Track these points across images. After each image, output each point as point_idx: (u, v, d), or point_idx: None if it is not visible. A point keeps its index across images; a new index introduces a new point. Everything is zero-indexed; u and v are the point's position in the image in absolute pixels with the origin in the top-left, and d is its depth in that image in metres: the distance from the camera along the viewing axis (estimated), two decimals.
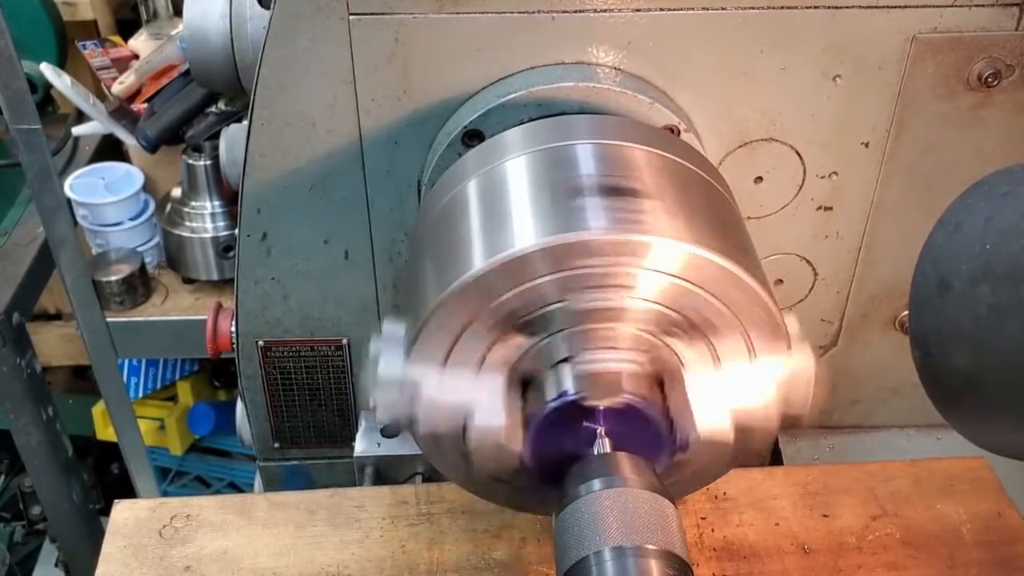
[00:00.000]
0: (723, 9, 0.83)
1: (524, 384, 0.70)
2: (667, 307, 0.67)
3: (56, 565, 2.32)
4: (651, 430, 0.68)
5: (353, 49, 0.83)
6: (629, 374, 0.67)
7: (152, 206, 1.79)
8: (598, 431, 0.68)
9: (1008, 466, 0.80)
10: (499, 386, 0.68)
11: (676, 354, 0.69)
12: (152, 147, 1.71)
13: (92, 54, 1.98)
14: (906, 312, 0.96)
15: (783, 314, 0.69)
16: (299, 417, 1.06)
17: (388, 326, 0.70)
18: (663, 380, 0.70)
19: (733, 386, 0.69)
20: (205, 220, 1.72)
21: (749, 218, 0.93)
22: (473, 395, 0.68)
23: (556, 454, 0.69)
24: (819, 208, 0.95)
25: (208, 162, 1.68)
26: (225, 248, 1.71)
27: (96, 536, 1.80)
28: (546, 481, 0.70)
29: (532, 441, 0.69)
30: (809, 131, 0.90)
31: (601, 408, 0.67)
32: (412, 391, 0.68)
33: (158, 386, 2.23)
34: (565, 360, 0.68)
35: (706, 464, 0.74)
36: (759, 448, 0.73)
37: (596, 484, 0.65)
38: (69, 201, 1.63)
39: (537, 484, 0.71)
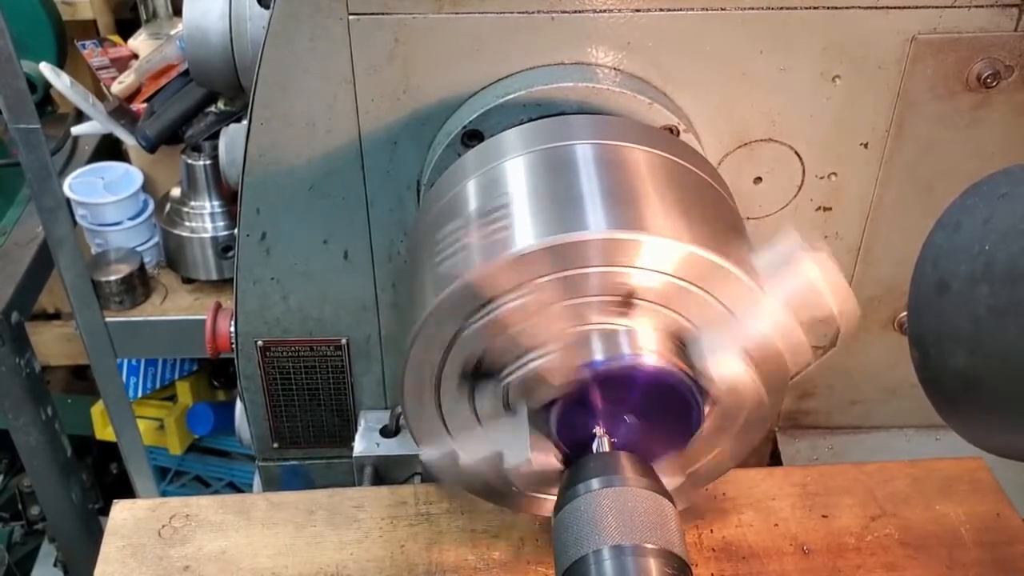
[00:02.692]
0: (723, 9, 0.83)
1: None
2: (670, 308, 0.67)
3: (55, 565, 2.32)
4: (675, 389, 0.68)
5: (353, 49, 0.83)
6: (640, 333, 0.67)
7: (151, 206, 1.79)
8: (597, 431, 0.68)
9: (1007, 467, 0.80)
10: (522, 420, 0.69)
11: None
12: (151, 147, 1.71)
13: (91, 54, 1.98)
14: (905, 313, 0.96)
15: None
16: (298, 417, 1.06)
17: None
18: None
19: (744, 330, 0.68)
20: (204, 220, 1.72)
21: (748, 218, 0.93)
22: (501, 439, 0.70)
23: (584, 434, 0.70)
24: (818, 208, 0.95)
25: (207, 162, 1.68)
26: (224, 248, 1.71)
27: (95, 536, 1.80)
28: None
29: (558, 432, 0.69)
30: (808, 131, 0.90)
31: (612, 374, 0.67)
32: (453, 462, 0.73)
33: (157, 386, 2.23)
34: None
35: (751, 409, 0.73)
36: (800, 369, 0.71)
37: (595, 483, 0.65)
38: (68, 201, 1.63)
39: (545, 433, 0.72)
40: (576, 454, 0.69)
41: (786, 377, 0.71)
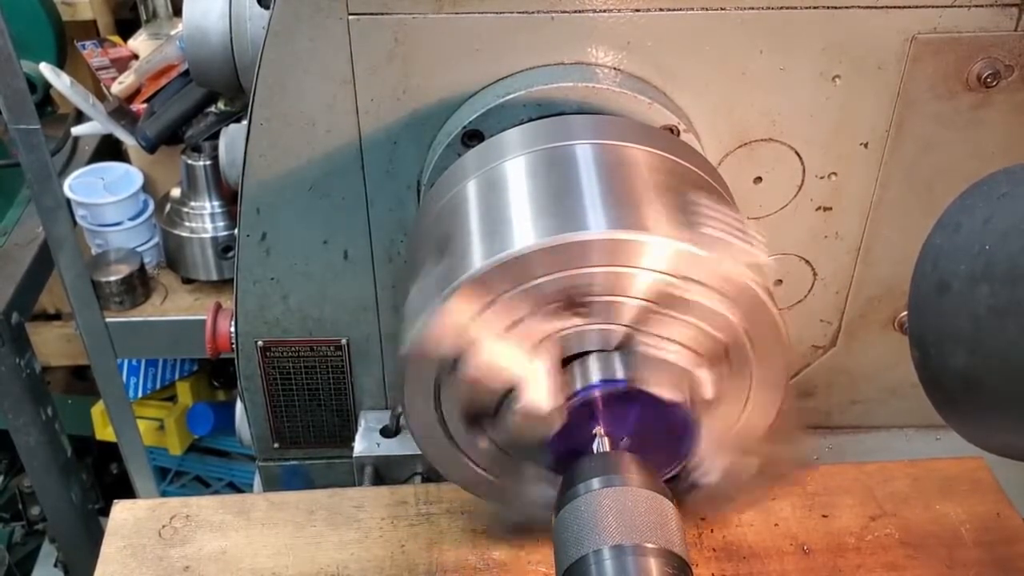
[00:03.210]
0: (723, 9, 0.83)
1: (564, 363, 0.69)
2: (664, 307, 0.67)
3: (55, 565, 2.32)
4: (680, 428, 0.68)
5: (352, 49, 0.83)
6: (673, 366, 0.68)
7: (151, 206, 1.79)
8: (597, 430, 0.68)
9: (1007, 466, 0.80)
10: (555, 362, 0.68)
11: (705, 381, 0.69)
12: (151, 147, 1.71)
13: (91, 54, 1.98)
14: (905, 312, 0.96)
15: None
16: (298, 417, 1.06)
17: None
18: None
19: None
20: (204, 220, 1.72)
21: (748, 218, 0.93)
22: (526, 367, 0.68)
23: (577, 439, 0.69)
24: (818, 208, 0.95)
25: (207, 162, 1.68)
26: (224, 248, 1.71)
27: (95, 536, 1.81)
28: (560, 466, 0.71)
29: (567, 421, 0.69)
30: (808, 131, 0.90)
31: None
32: (468, 337, 0.67)
33: (157, 386, 2.23)
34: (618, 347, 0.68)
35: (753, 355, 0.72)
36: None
37: (595, 483, 0.65)
38: (68, 201, 1.63)
39: (552, 467, 0.72)
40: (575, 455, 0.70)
41: (767, 302, 0.69)
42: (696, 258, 0.65)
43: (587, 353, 0.69)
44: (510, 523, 0.83)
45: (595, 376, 0.68)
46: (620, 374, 0.67)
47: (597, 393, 0.68)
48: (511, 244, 0.65)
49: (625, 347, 0.68)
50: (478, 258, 0.66)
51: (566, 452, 0.69)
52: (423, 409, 0.72)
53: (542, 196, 0.71)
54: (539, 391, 0.67)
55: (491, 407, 0.70)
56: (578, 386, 0.68)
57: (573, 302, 0.66)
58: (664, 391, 0.67)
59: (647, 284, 0.66)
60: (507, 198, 0.72)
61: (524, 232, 0.67)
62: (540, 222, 0.68)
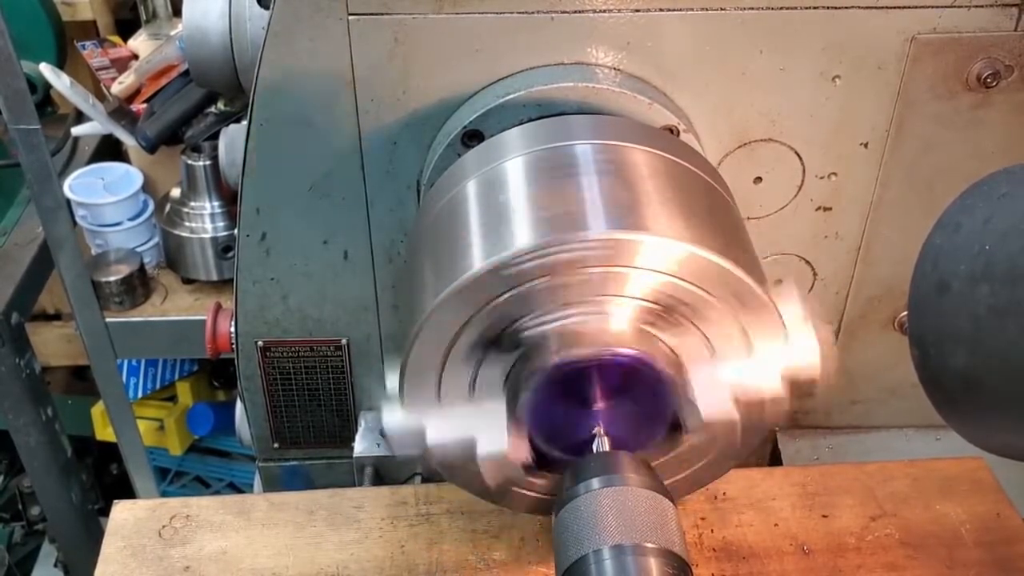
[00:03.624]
0: (723, 9, 0.83)
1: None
2: (664, 306, 0.67)
3: (55, 565, 2.32)
4: (648, 399, 0.68)
5: (352, 49, 0.83)
6: (613, 327, 0.67)
7: (151, 206, 1.79)
8: (597, 430, 0.68)
9: (1007, 466, 0.80)
10: (499, 408, 0.69)
11: (672, 346, 0.69)
12: (151, 147, 1.71)
13: (91, 54, 1.98)
14: (905, 312, 0.96)
15: (791, 299, 0.69)
16: (298, 417, 1.06)
17: (390, 380, 0.72)
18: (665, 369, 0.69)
19: (735, 370, 0.69)
20: (204, 220, 1.72)
21: (748, 218, 0.93)
22: (474, 423, 0.69)
23: (561, 432, 0.70)
24: (818, 208, 0.95)
25: (207, 162, 1.68)
26: (224, 248, 1.71)
27: (95, 536, 1.81)
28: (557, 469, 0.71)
29: (534, 424, 0.69)
30: (808, 131, 0.90)
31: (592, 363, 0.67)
32: (418, 435, 0.70)
33: (157, 386, 2.23)
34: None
35: (718, 450, 0.74)
36: (771, 423, 0.73)
37: (595, 483, 0.65)
38: (68, 201, 1.63)
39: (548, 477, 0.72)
40: (569, 453, 0.70)
41: (762, 426, 0.72)
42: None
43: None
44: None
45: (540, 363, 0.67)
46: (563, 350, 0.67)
47: (551, 374, 0.67)
48: (509, 246, 0.65)
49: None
50: (476, 262, 0.66)
51: (541, 418, 0.69)
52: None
53: (541, 196, 0.71)
54: (490, 440, 0.68)
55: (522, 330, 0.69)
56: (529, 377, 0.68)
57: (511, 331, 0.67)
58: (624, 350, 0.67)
59: (649, 285, 0.66)
60: (507, 198, 0.72)
61: (522, 233, 0.67)
62: (536, 224, 0.68)
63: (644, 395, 0.68)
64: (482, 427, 0.69)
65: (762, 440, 0.76)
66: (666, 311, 0.67)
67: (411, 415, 0.70)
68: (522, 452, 0.69)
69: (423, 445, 0.70)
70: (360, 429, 1.03)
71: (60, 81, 1.78)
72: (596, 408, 0.69)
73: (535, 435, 0.70)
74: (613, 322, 0.67)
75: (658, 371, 0.67)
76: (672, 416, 0.70)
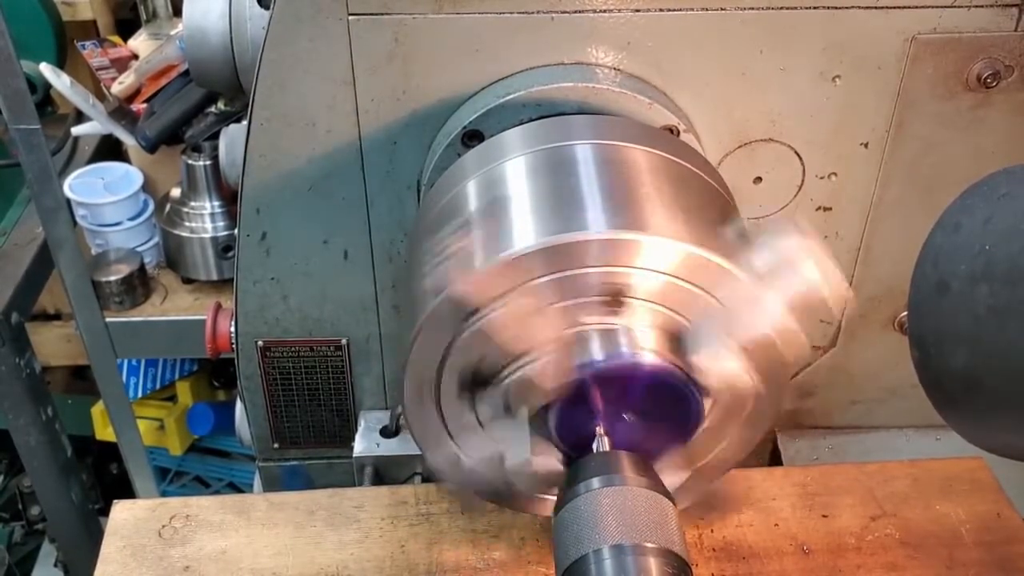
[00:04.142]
0: (723, 9, 0.83)
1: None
2: (666, 307, 0.67)
3: (55, 565, 2.32)
4: (672, 386, 0.68)
5: (352, 49, 0.83)
6: (634, 330, 0.67)
7: (151, 206, 1.79)
8: (598, 430, 0.68)
9: (1007, 466, 0.80)
10: (522, 422, 0.69)
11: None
12: (151, 147, 1.71)
13: (91, 54, 1.98)
14: (905, 312, 0.96)
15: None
16: (298, 417, 1.06)
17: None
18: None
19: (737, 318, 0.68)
20: (204, 220, 1.72)
21: (749, 218, 0.93)
22: (502, 441, 0.70)
23: (584, 434, 0.69)
24: (818, 208, 0.95)
25: (207, 162, 1.68)
26: (224, 248, 1.71)
27: (95, 536, 1.81)
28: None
29: (559, 433, 0.69)
30: (808, 131, 0.90)
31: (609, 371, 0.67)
32: (456, 464, 0.73)
33: (157, 386, 2.23)
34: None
35: (752, 402, 0.73)
36: (798, 363, 0.71)
37: (595, 483, 0.65)
38: (68, 201, 1.63)
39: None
40: (577, 454, 0.69)
41: (785, 369, 0.70)
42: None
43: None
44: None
45: (598, 352, 0.67)
46: (619, 350, 0.67)
47: (597, 370, 0.67)
48: (510, 245, 0.65)
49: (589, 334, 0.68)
50: (532, 237, 0.66)
51: (566, 425, 0.69)
52: (423, 404, 0.72)
53: (541, 196, 0.71)
54: (547, 364, 0.67)
55: (493, 373, 0.69)
56: (579, 362, 0.67)
57: (615, 298, 0.66)
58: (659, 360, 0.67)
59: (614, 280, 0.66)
60: (507, 198, 0.72)
61: (523, 233, 0.67)
62: (538, 223, 0.68)
63: (656, 394, 0.68)
64: (506, 442, 0.70)
65: (766, 433, 0.75)
66: (665, 312, 0.67)
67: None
68: (549, 457, 0.70)
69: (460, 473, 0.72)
70: (360, 429, 1.03)
71: (60, 81, 1.77)
72: (604, 410, 0.69)
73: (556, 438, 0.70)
74: (633, 331, 0.67)
75: (674, 376, 0.67)
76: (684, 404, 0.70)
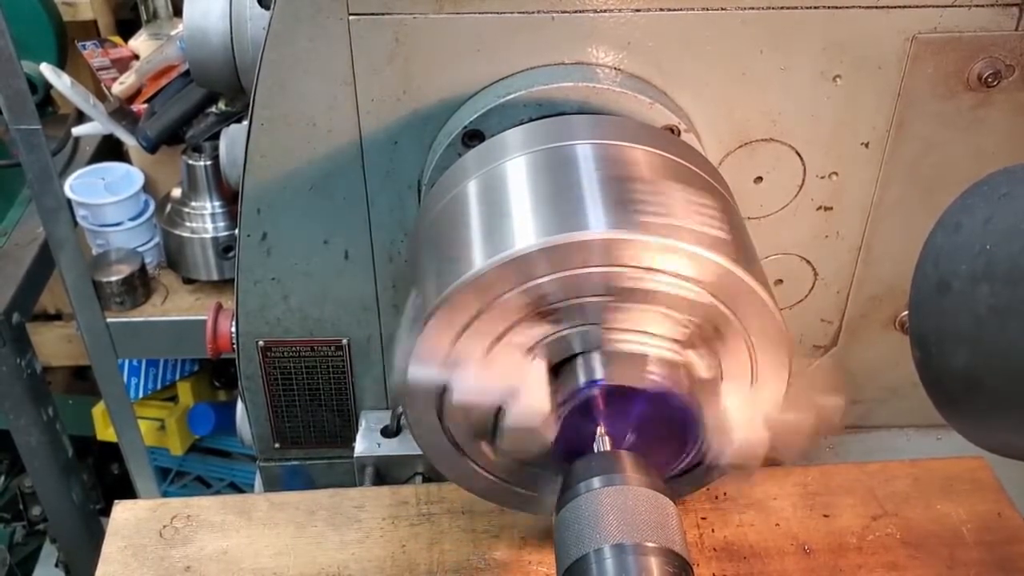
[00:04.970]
0: (723, 9, 0.83)
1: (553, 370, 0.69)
2: (668, 308, 0.67)
3: (56, 565, 2.33)
4: (681, 417, 0.68)
5: (353, 49, 0.83)
6: (660, 358, 0.68)
7: (152, 206, 1.79)
8: (598, 430, 0.68)
9: (1008, 466, 0.80)
10: (542, 372, 0.68)
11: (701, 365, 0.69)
12: (152, 147, 1.71)
13: (92, 54, 1.98)
14: (906, 312, 0.96)
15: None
16: (299, 417, 1.06)
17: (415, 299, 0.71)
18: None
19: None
20: (205, 220, 1.72)
21: (749, 218, 0.93)
22: (515, 379, 0.68)
23: (580, 440, 0.69)
24: (819, 208, 0.95)
25: (208, 162, 1.68)
26: (225, 248, 1.71)
27: (96, 536, 1.81)
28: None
29: (564, 426, 0.69)
30: (809, 131, 0.90)
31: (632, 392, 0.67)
32: (452, 362, 0.68)
33: (158, 386, 2.23)
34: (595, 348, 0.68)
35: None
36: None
37: (596, 482, 0.65)
38: (69, 201, 1.63)
39: (553, 470, 0.72)
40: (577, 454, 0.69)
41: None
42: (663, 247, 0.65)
43: (574, 357, 0.69)
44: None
45: (583, 379, 0.68)
46: (607, 374, 0.67)
47: (590, 395, 0.67)
48: (511, 245, 0.66)
49: (607, 346, 0.68)
50: (478, 261, 0.66)
51: (570, 455, 0.69)
52: (428, 425, 0.72)
53: (542, 196, 0.71)
54: (527, 405, 0.67)
55: (489, 425, 0.70)
56: (569, 391, 0.68)
57: (549, 309, 0.67)
58: (655, 383, 0.67)
59: (616, 280, 0.66)
60: (507, 198, 0.72)
61: (523, 233, 0.67)
62: (539, 223, 0.68)
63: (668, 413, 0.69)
64: (522, 385, 0.68)
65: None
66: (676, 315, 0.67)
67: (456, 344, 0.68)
68: (551, 429, 0.69)
69: (450, 373, 0.68)
70: (361, 429, 1.03)
71: (61, 81, 1.78)
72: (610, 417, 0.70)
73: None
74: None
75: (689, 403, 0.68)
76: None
